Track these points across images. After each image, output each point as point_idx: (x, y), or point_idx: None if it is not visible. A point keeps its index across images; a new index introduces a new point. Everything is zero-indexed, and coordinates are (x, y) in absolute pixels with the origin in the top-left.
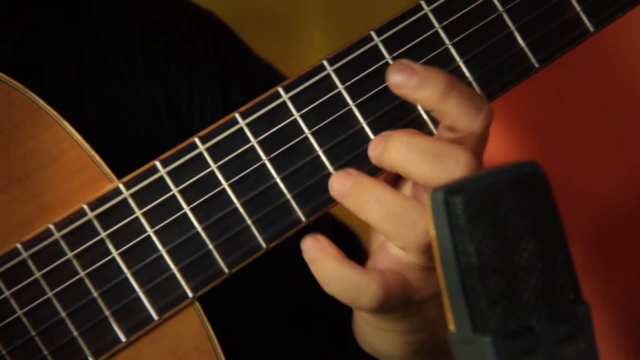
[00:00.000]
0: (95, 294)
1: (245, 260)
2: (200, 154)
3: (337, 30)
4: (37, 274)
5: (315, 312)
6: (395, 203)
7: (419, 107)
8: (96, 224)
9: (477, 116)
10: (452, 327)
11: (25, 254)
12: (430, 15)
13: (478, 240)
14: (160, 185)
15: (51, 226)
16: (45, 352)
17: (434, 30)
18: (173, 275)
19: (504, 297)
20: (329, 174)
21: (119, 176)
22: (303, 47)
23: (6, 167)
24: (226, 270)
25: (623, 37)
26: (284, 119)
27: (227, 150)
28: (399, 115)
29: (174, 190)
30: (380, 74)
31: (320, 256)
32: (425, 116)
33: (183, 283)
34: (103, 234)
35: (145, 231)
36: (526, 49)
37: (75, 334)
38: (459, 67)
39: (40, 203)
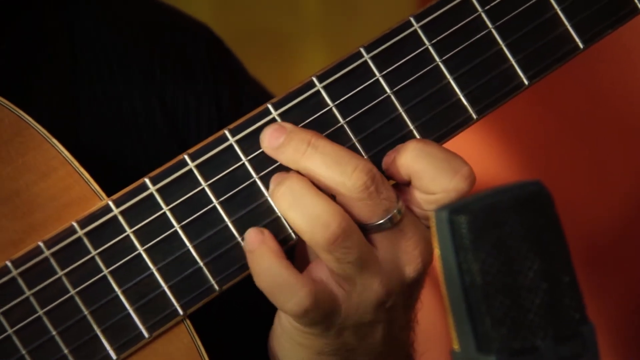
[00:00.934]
0: (85, 312)
1: (236, 277)
2: (190, 171)
3: (333, 48)
4: (28, 293)
5: None
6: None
7: (410, 124)
8: (86, 241)
9: (451, 178)
10: (456, 346)
11: (15, 272)
12: (420, 32)
13: (482, 260)
14: (150, 203)
15: (41, 244)
16: None
17: (424, 47)
18: (163, 292)
19: (508, 316)
20: None
21: (113, 191)
22: (301, 66)
23: None
24: (217, 287)
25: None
26: None
27: (217, 168)
28: (390, 131)
29: (165, 209)
30: (370, 91)
31: (260, 248)
32: (415, 132)
33: (173, 301)
34: (94, 252)
35: (135, 249)
36: (516, 66)
37: (66, 351)
38: (449, 83)
39: (29, 221)
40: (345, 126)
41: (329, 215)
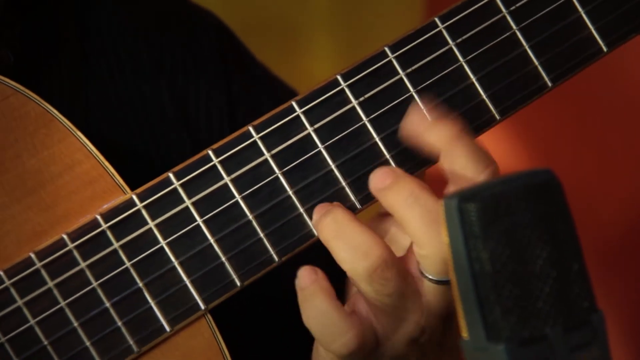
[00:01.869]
0: (107, 304)
1: (258, 273)
2: (214, 166)
3: (342, 41)
4: (50, 284)
5: None
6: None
7: None
8: (109, 234)
9: (482, 172)
10: (465, 334)
11: (38, 264)
12: (445, 33)
13: (492, 248)
14: (173, 197)
15: (65, 236)
16: None
17: (447, 47)
18: (185, 287)
19: (517, 305)
20: (342, 189)
21: (130, 183)
22: (309, 57)
23: (21, 176)
24: (238, 282)
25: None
26: (297, 133)
27: (241, 163)
28: None
29: (187, 203)
30: (393, 90)
31: (312, 287)
32: None
33: (195, 295)
34: (116, 245)
35: (158, 243)
36: (539, 68)
37: (88, 343)
38: (472, 84)
39: (54, 213)
40: (367, 124)
41: (370, 245)
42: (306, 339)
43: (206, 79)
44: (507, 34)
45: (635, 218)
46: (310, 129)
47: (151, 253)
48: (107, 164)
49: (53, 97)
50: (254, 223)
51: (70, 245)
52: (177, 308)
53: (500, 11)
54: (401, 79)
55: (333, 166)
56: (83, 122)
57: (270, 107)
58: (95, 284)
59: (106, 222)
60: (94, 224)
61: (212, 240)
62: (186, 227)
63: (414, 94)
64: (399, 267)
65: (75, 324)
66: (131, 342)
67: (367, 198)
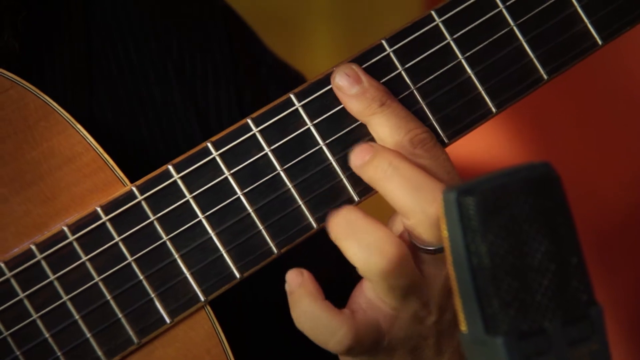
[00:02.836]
0: (108, 297)
1: (257, 265)
2: (214, 159)
3: (342, 32)
4: (52, 277)
5: None
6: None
7: (431, 117)
8: (110, 227)
9: (406, 132)
10: (463, 327)
11: (39, 256)
12: (442, 27)
13: (490, 241)
14: (173, 190)
15: (65, 228)
16: (59, 353)
17: (446, 42)
18: (186, 279)
19: (516, 298)
20: (341, 181)
21: (129, 168)
22: (309, 49)
23: (20, 169)
24: (238, 274)
25: (628, 39)
26: (296, 126)
27: (240, 157)
28: None
29: (189, 197)
30: (392, 85)
31: (298, 291)
32: (436, 125)
33: (195, 287)
34: (117, 238)
35: (159, 236)
36: (535, 61)
37: (89, 335)
38: (470, 77)
39: (53, 205)
40: None
41: (386, 243)
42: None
43: (213, 62)
44: (504, 28)
45: (634, 212)
46: (310, 124)
47: (152, 246)
48: (106, 156)
49: (58, 85)
50: (254, 216)
51: (71, 238)
52: (178, 300)
53: (497, 6)
54: (400, 73)
55: (332, 160)
56: (88, 112)
57: (277, 90)
58: (96, 277)
59: (106, 215)
60: (94, 216)
61: (212, 234)
62: (187, 221)
63: (412, 88)
64: (412, 261)
65: (77, 317)
66: (132, 333)
67: (365, 190)
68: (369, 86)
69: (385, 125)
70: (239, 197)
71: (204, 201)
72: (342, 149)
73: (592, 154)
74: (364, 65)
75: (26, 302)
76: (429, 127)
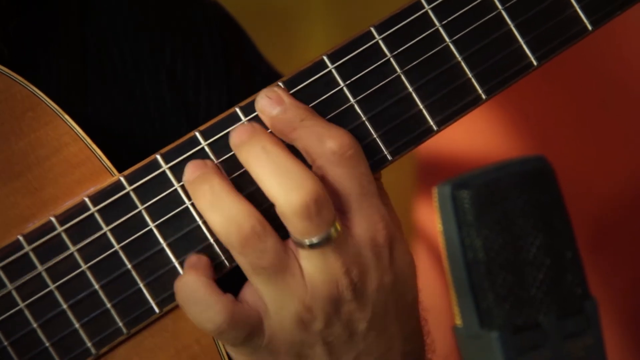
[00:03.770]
0: (96, 287)
1: None
2: (202, 149)
3: (338, 25)
4: (40, 267)
5: None
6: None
7: (419, 103)
8: (98, 217)
9: (327, 140)
10: (458, 322)
11: (27, 247)
12: (431, 13)
13: (485, 235)
14: (161, 179)
15: (53, 219)
16: (47, 344)
17: (434, 28)
18: (174, 268)
19: (511, 292)
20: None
21: (122, 165)
22: (304, 42)
23: (7, 159)
24: (227, 264)
25: (624, 33)
26: None
27: (229, 145)
28: (399, 110)
29: (176, 186)
30: (380, 71)
31: (187, 268)
32: (425, 112)
33: None
34: (105, 228)
35: (147, 225)
36: (525, 47)
37: (77, 325)
38: (459, 63)
39: (41, 196)
40: (355, 105)
41: (244, 216)
42: None
43: (206, 68)
44: (493, 13)
45: (629, 205)
46: None
47: (140, 235)
48: (94, 146)
49: (52, 83)
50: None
51: (59, 229)
52: (166, 289)
53: None
54: (388, 60)
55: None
56: (82, 110)
57: None
58: (84, 266)
59: (94, 205)
60: (82, 207)
61: (200, 222)
62: (175, 209)
63: (400, 74)
64: (275, 239)
65: (65, 306)
66: (120, 323)
67: None
68: (290, 106)
69: (306, 138)
70: None
71: None
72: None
73: (587, 146)
74: (353, 54)
75: (14, 293)
76: (418, 114)
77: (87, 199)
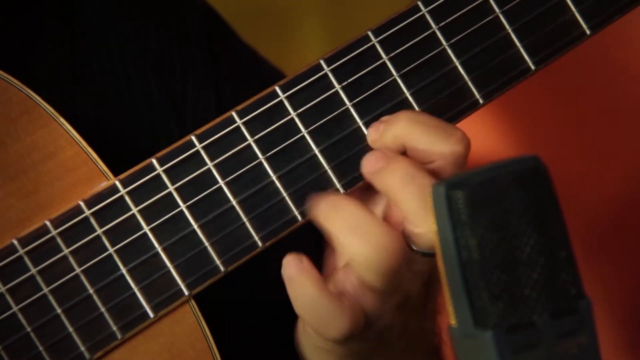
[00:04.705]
0: (90, 291)
1: (242, 258)
2: (197, 152)
3: (333, 26)
4: (33, 270)
5: None
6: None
7: (416, 107)
8: (92, 221)
9: (446, 142)
10: (453, 321)
11: (21, 251)
12: (428, 17)
13: (480, 235)
14: (156, 183)
15: (47, 222)
16: (41, 348)
17: (431, 31)
18: (169, 272)
19: (505, 291)
20: (325, 172)
21: (111, 165)
22: (299, 43)
23: (2, 163)
24: (222, 268)
25: (623, 34)
26: (280, 118)
27: (224, 149)
28: None
29: (171, 188)
30: (376, 74)
31: (301, 277)
32: None
33: (179, 280)
34: (99, 231)
35: (141, 228)
36: (522, 51)
37: (71, 330)
38: (456, 67)
39: (36, 199)
40: (351, 109)
41: (389, 240)
42: (292, 324)
43: (192, 62)
44: (490, 17)
45: (622, 205)
46: (293, 114)
47: (134, 239)
48: (90, 150)
49: (41, 84)
50: (238, 208)
51: (54, 232)
52: (161, 294)
53: None
54: (384, 63)
55: (316, 151)
56: (71, 109)
57: (256, 87)
58: (78, 270)
59: (89, 209)
60: (77, 210)
61: (195, 226)
62: (170, 213)
63: (397, 78)
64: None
65: (59, 311)
66: (115, 328)
67: (351, 182)
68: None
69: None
70: (222, 189)
71: (187, 193)
72: (327, 139)
73: (581, 146)
74: (349, 57)
75: (7, 296)
76: None
77: (81, 202)
